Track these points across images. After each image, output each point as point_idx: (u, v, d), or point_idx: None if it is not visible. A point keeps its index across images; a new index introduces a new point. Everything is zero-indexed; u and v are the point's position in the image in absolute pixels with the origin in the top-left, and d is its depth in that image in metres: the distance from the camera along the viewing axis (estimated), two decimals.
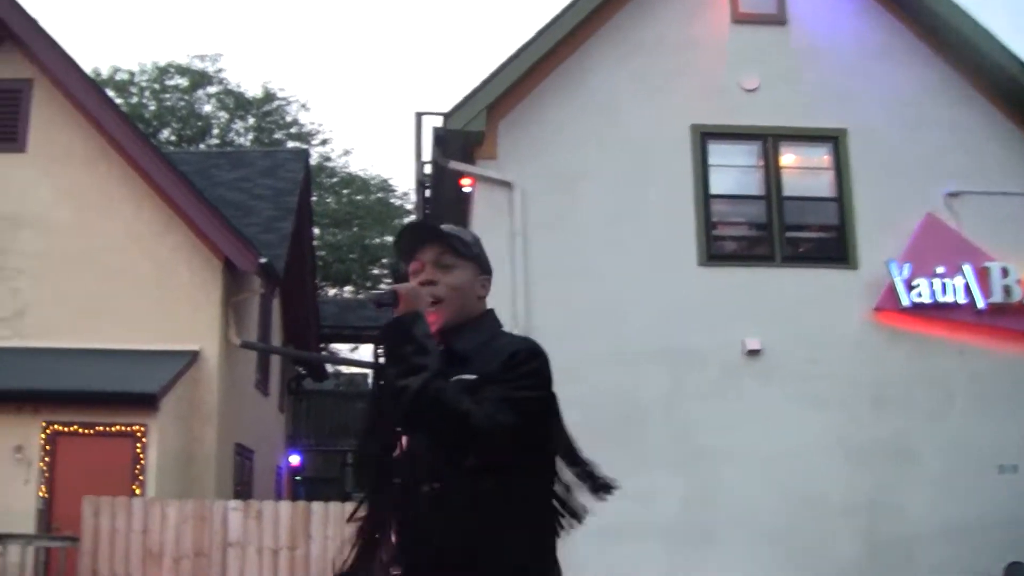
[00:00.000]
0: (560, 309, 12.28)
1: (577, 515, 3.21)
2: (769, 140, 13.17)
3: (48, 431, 14.60)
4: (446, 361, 2.99)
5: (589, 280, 12.48)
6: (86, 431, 14.66)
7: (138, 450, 14.52)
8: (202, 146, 36.71)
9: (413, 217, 35.55)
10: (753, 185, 13.28)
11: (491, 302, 3.36)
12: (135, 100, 38.51)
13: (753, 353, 12.34)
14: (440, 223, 3.40)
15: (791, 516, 11.93)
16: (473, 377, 2.95)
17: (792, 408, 12.27)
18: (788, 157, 13.31)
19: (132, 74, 39.81)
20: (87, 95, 16.85)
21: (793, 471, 12.02)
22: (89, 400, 14.53)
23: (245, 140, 39.32)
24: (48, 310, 16.19)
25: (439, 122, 12.81)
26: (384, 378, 3.01)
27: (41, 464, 14.52)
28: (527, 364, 3.02)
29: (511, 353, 3.02)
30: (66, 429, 14.66)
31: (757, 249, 13.16)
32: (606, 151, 12.99)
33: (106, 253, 16.33)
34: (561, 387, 10.33)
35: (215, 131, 40.04)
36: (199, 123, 39.69)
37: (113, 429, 14.63)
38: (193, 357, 15.89)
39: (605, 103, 13.14)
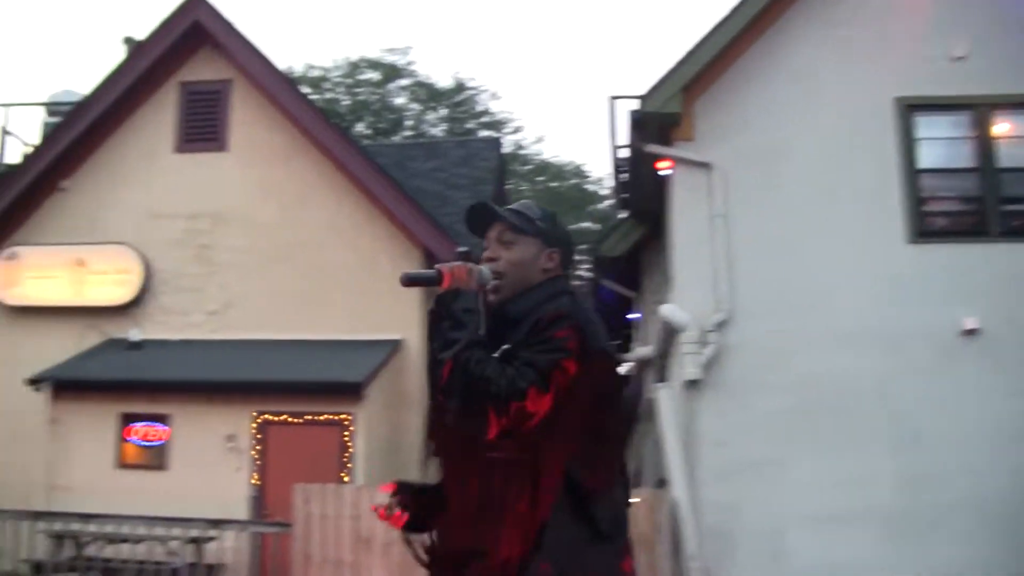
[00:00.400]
0: (765, 291, 11.99)
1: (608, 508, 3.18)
2: (980, 109, 12.56)
3: (259, 420, 15.00)
4: (500, 325, 3.22)
5: (794, 260, 12.14)
6: (295, 420, 15.01)
7: (345, 438, 14.79)
8: (396, 138, 37.21)
9: (608, 202, 35.47)
10: (964, 157, 12.66)
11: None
12: (329, 96, 39.29)
13: (970, 333, 11.81)
14: (520, 199, 3.60)
15: (1017, 500, 11.39)
16: (507, 347, 3.11)
17: (1013, 388, 11.71)
18: (1002, 126, 12.67)
19: (326, 70, 40.65)
20: (284, 93, 17.26)
21: (1019, 453, 11.48)
22: (297, 390, 14.88)
23: (438, 131, 39.73)
24: (254, 303, 16.65)
25: (634, 105, 12.64)
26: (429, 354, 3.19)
27: (253, 452, 14.93)
28: (552, 326, 3.11)
29: (537, 319, 3.15)
30: (276, 418, 15.04)
31: (970, 224, 12.58)
32: (807, 127, 12.58)
33: (309, 246, 16.69)
34: (768, 370, 10.08)
35: (408, 123, 40.57)
36: (392, 116, 40.26)
37: (321, 418, 14.94)
38: (396, 346, 16.10)
39: (805, 77, 12.73)
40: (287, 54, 65.21)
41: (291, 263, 16.66)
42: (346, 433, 14.80)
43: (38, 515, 13.52)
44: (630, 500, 3.30)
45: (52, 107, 20.85)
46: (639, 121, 12.62)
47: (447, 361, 3.06)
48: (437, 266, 3.24)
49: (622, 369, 3.44)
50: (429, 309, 3.24)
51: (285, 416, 15.02)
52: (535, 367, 3.02)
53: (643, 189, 14.12)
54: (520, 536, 3.03)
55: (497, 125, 39.98)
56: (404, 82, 40.82)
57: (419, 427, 16.08)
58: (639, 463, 16.47)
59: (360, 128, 38.61)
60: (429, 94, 40.73)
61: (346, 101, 39.98)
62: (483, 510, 3.09)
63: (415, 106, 41.08)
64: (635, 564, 3.24)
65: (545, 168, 39.75)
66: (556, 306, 3.19)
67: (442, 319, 3.16)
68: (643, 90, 12.46)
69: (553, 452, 3.06)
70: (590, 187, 39.62)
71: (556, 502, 3.05)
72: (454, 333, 3.10)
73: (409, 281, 3.28)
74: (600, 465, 3.16)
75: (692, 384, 11.82)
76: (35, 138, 20.26)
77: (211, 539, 13.39)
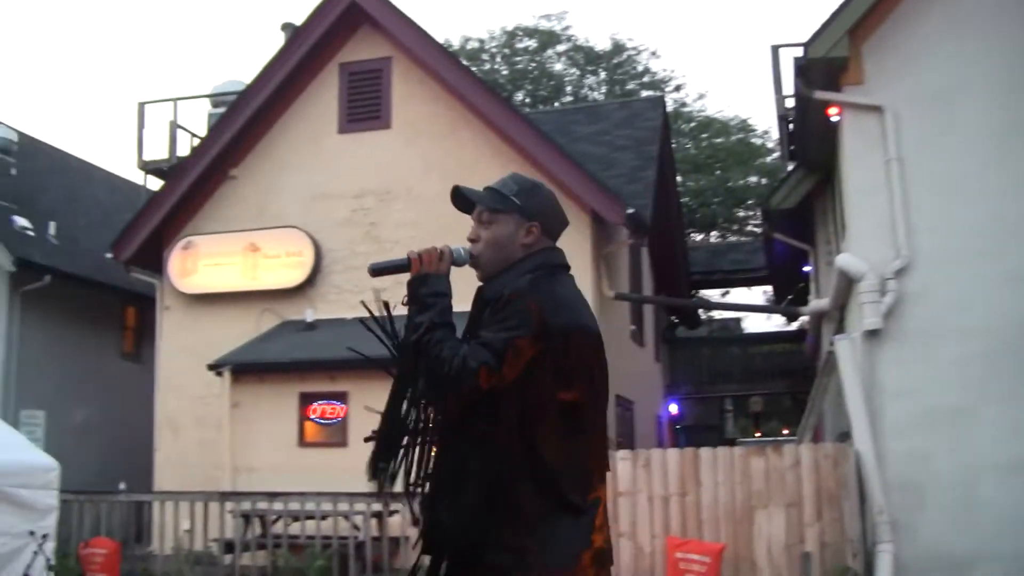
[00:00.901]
0: (945, 234, 11.53)
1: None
2: None
3: None
4: (482, 308, 3.29)
5: (974, 201, 11.62)
6: None
7: None
8: (556, 105, 37.11)
9: (775, 155, 34.79)
10: None
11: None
12: (487, 67, 39.42)
13: None
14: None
15: None
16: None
17: None
18: None
19: (482, 42, 40.80)
20: (444, 67, 17.27)
21: None
22: None
23: (598, 95, 39.49)
24: None
25: (798, 52, 12.28)
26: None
27: None
28: (509, 306, 3.17)
29: (497, 296, 3.23)
30: None
31: None
32: (981, 63, 11.99)
33: None
34: (952, 317, 9.64)
35: (567, 89, 40.44)
36: (551, 83, 40.19)
37: None
38: None
39: (978, 10, 12.16)
40: (442, 28, 65.66)
41: (459, 236, 16.57)
42: None
43: (225, 495, 13.87)
44: (605, 470, 3.33)
45: (217, 98, 21.29)
46: (805, 68, 12.25)
47: (405, 344, 3.26)
48: (407, 253, 3.38)
49: (595, 342, 3.41)
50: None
51: None
52: (488, 346, 3.09)
53: (812, 138, 13.73)
54: (494, 512, 3.10)
55: (658, 84, 39.54)
56: (561, 48, 40.70)
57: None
58: (819, 417, 16.13)
59: (519, 97, 38.63)
60: (587, 58, 40.51)
61: (504, 71, 40.06)
62: (456, 483, 3.18)
63: (574, 71, 40.93)
64: (608, 537, 3.30)
65: (709, 124, 39.17)
66: (515, 285, 3.24)
67: (410, 303, 3.31)
68: (807, 36, 12.11)
69: (519, 429, 3.11)
70: (756, 141, 38.92)
71: (523, 477, 3.10)
72: (420, 316, 3.25)
73: (376, 271, 3.42)
74: (568, 440, 3.17)
75: (872, 334, 11.48)
76: (203, 130, 20.75)
77: (394, 512, 13.54)
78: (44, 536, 10.09)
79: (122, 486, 15.75)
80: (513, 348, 3.10)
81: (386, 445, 3.44)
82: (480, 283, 3.48)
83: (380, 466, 3.45)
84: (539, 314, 3.16)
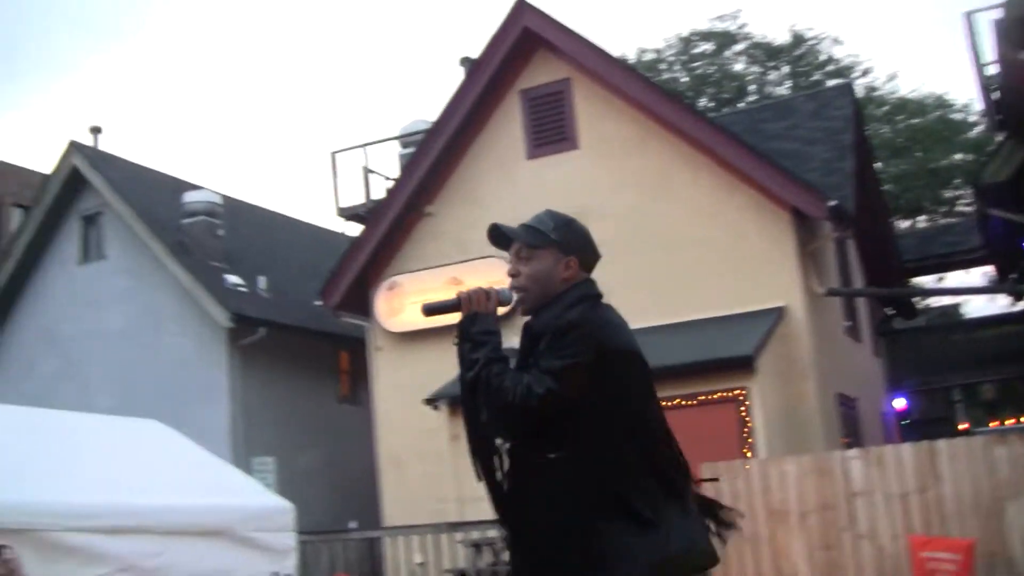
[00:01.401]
0: None
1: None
2: None
3: None
4: (530, 342, 3.43)
5: None
6: (688, 402, 14.84)
7: (742, 413, 14.50)
8: (741, 105, 36.58)
9: (980, 128, 33.54)
10: None
11: None
12: (666, 76, 39.12)
13: None
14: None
15: None
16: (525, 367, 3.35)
17: None
18: None
19: (658, 52, 40.53)
20: (625, 81, 17.23)
21: None
22: (686, 372, 14.69)
23: (783, 90, 38.77)
24: (626, 294, 16.35)
25: (995, 15, 11.74)
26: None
27: None
28: (567, 335, 3.32)
29: (555, 328, 3.36)
30: (669, 403, 14.92)
31: None
32: None
33: (674, 228, 16.53)
34: None
35: (750, 88, 39.85)
36: (734, 83, 39.67)
37: (713, 396, 14.71)
38: (779, 314, 15.67)
39: None
40: (616, 43, 65.60)
41: (659, 248, 16.55)
42: (742, 408, 14.51)
43: (454, 526, 13.99)
44: (680, 482, 3.46)
45: (406, 139, 21.61)
46: (1006, 29, 11.67)
47: (466, 380, 3.37)
48: (456, 293, 3.53)
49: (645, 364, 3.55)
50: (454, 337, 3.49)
51: (678, 399, 14.88)
52: (551, 373, 3.24)
53: (1021, 104, 13.08)
54: (570, 532, 3.22)
55: (844, 71, 38.56)
56: (739, 47, 40.14)
57: (815, 393, 15.63)
58: None
59: (702, 102, 38.24)
60: (767, 54, 39.85)
61: (684, 78, 39.71)
62: (531, 510, 3.33)
63: (755, 69, 40.31)
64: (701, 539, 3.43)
65: (903, 106, 37.96)
66: (569, 316, 3.41)
67: (463, 343, 3.44)
68: None
69: (587, 451, 3.26)
70: (956, 116, 37.52)
71: (595, 496, 3.24)
72: (474, 354, 3.37)
73: (430, 311, 3.62)
74: (632, 457, 3.33)
75: None
76: (395, 171, 21.07)
77: None
78: None
79: (353, 524, 16.08)
80: (575, 372, 3.25)
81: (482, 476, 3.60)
82: (524, 318, 3.62)
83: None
84: (596, 339, 3.34)
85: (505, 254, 3.74)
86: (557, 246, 3.58)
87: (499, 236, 3.67)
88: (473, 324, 3.46)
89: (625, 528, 3.24)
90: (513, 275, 3.59)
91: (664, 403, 12.42)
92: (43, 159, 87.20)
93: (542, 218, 3.65)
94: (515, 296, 3.62)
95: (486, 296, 3.52)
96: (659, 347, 15.26)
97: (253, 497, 11.52)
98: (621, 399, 3.35)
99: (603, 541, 3.21)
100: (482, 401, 3.31)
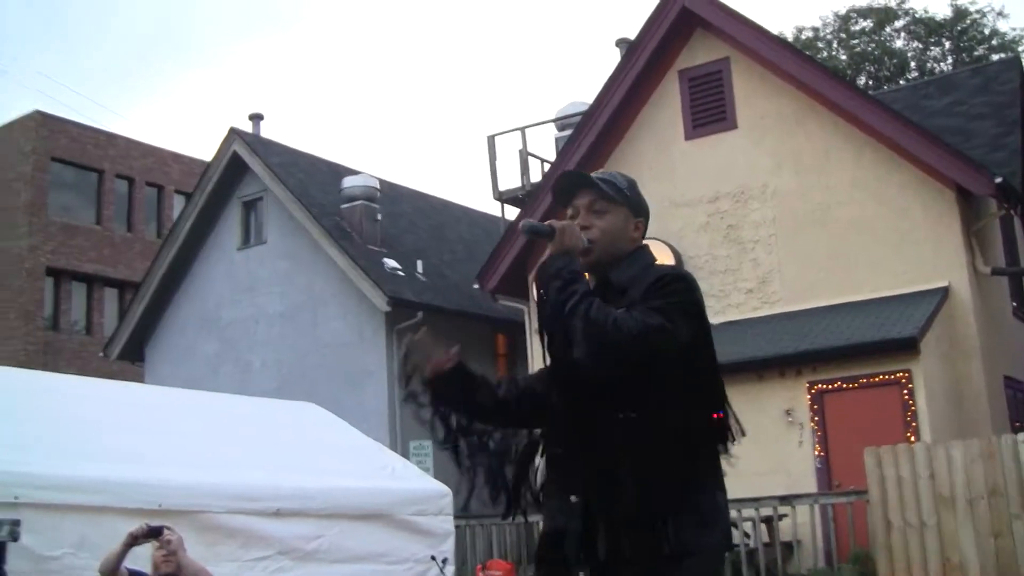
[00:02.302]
0: None
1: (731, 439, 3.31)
2: None
3: (813, 391, 14.80)
4: (603, 293, 3.26)
5: None
6: (849, 385, 14.66)
7: (905, 396, 14.24)
8: (901, 82, 35.74)
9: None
10: None
11: None
12: (824, 54, 38.44)
13: None
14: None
15: None
16: (623, 310, 3.14)
17: None
18: None
19: (816, 30, 39.86)
20: (784, 59, 17.07)
21: None
22: (848, 354, 14.52)
23: (944, 66, 37.76)
24: (789, 274, 16.47)
25: None
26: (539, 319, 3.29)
27: (811, 424, 14.73)
28: (672, 285, 3.25)
29: (657, 277, 3.28)
30: (830, 386, 14.76)
31: None
32: None
33: (835, 207, 16.30)
34: None
35: (911, 64, 38.92)
36: (893, 61, 38.79)
37: (876, 379, 14.50)
38: (944, 293, 15.33)
39: None
40: (774, 21, 64.64)
41: (820, 227, 16.34)
42: (905, 391, 14.24)
43: None
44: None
45: (562, 121, 21.65)
46: None
47: (567, 310, 3.13)
48: (550, 222, 3.32)
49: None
50: (537, 272, 3.31)
51: (839, 382, 14.71)
52: (661, 311, 3.13)
53: None
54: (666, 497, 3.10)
55: (1009, 46, 37.35)
56: (899, 23, 39.19)
57: (981, 375, 15.25)
58: None
59: (861, 80, 37.48)
60: (928, 29, 38.83)
61: (843, 56, 38.97)
62: (607, 465, 3.14)
63: (916, 45, 39.32)
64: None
65: None
66: (668, 269, 3.41)
67: (552, 278, 3.22)
68: None
69: (675, 411, 3.16)
70: None
71: (690, 448, 3.17)
72: (570, 287, 3.17)
73: (527, 230, 3.36)
74: (709, 425, 3.27)
75: None
76: (552, 155, 21.14)
77: (783, 516, 13.31)
78: (444, 560, 10.48)
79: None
80: (684, 317, 3.19)
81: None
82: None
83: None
84: (698, 296, 3.30)
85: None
86: (629, 206, 3.50)
87: (572, 181, 3.55)
88: (570, 260, 3.27)
89: (716, 488, 3.25)
90: (585, 227, 3.42)
91: (825, 386, 12.37)
92: (205, 147, 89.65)
93: (614, 175, 3.56)
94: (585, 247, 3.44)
95: (575, 234, 3.34)
96: (820, 328, 15.14)
97: (411, 481, 11.70)
98: (709, 361, 3.30)
99: (705, 499, 3.19)
100: (581, 336, 3.09)
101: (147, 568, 7.34)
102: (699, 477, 3.19)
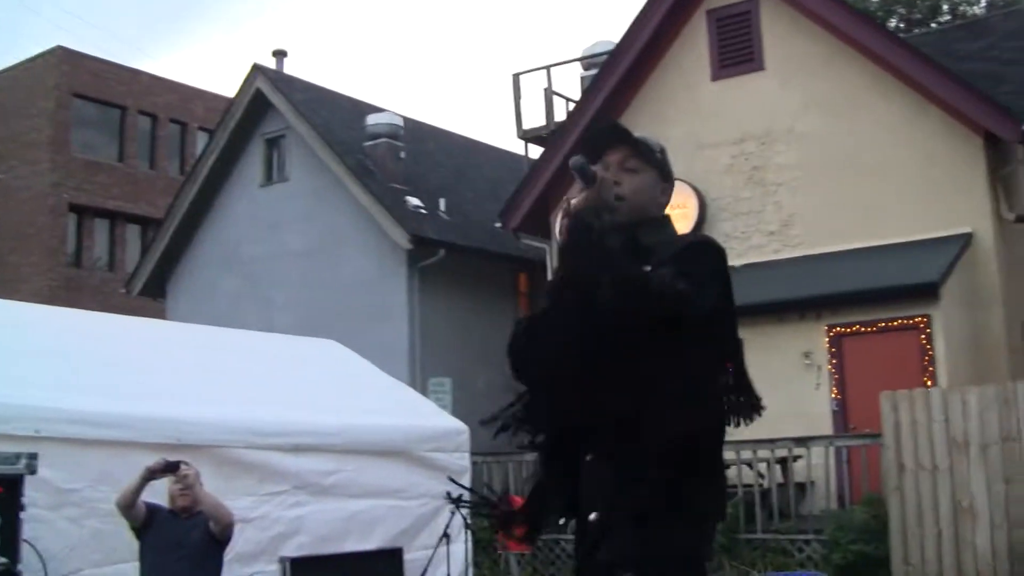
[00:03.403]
0: None
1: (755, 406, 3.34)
2: None
3: (831, 334, 14.82)
4: (631, 252, 3.15)
5: None
6: (868, 329, 14.67)
7: (923, 341, 14.23)
8: (933, 25, 35.31)
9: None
10: None
11: None
12: None
13: None
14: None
15: None
16: (648, 268, 3.07)
17: None
18: None
19: None
20: (813, 0, 16.79)
21: None
22: (868, 298, 14.50)
23: (978, 9, 37.26)
24: (812, 217, 16.40)
25: None
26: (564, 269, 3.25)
27: (829, 367, 14.77)
28: (703, 252, 3.22)
29: (686, 245, 3.26)
30: (848, 330, 14.78)
31: None
32: None
33: (861, 151, 16.19)
34: None
35: (944, 7, 38.40)
36: (926, 3, 38.28)
37: (895, 324, 14.50)
38: (966, 240, 15.24)
39: None
40: None
41: (845, 171, 16.24)
42: (923, 336, 14.23)
43: None
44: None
45: (588, 61, 21.51)
46: None
47: (597, 264, 3.04)
48: (594, 169, 3.23)
49: None
50: (570, 224, 3.17)
51: (858, 326, 14.71)
52: (691, 278, 3.03)
53: None
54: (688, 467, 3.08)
55: None
56: None
57: (1001, 322, 15.21)
58: None
59: (892, 23, 37.00)
60: None
61: None
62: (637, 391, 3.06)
63: None
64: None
65: None
66: (702, 237, 3.38)
67: (585, 231, 3.11)
68: None
69: (704, 365, 3.17)
70: None
71: (714, 418, 3.22)
72: (604, 242, 3.08)
73: (581, 175, 3.20)
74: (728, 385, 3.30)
75: None
76: (577, 94, 21.01)
77: (798, 458, 13.37)
78: (459, 496, 10.58)
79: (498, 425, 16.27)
80: (713, 281, 3.14)
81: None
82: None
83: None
84: (727, 265, 3.26)
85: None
86: (660, 170, 3.46)
87: (609, 135, 3.47)
88: (607, 212, 3.20)
89: (722, 471, 3.31)
90: (616, 183, 3.34)
91: (844, 329, 12.39)
92: (228, 83, 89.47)
93: (646, 137, 3.49)
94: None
95: (612, 191, 3.28)
96: (841, 272, 15.12)
97: (429, 418, 11.80)
98: (732, 331, 3.28)
99: (712, 484, 3.24)
100: (609, 286, 2.99)
101: (164, 501, 7.45)
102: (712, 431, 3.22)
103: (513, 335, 3.40)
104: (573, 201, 3.19)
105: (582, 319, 3.08)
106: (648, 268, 3.09)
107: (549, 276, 18.58)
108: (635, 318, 3.00)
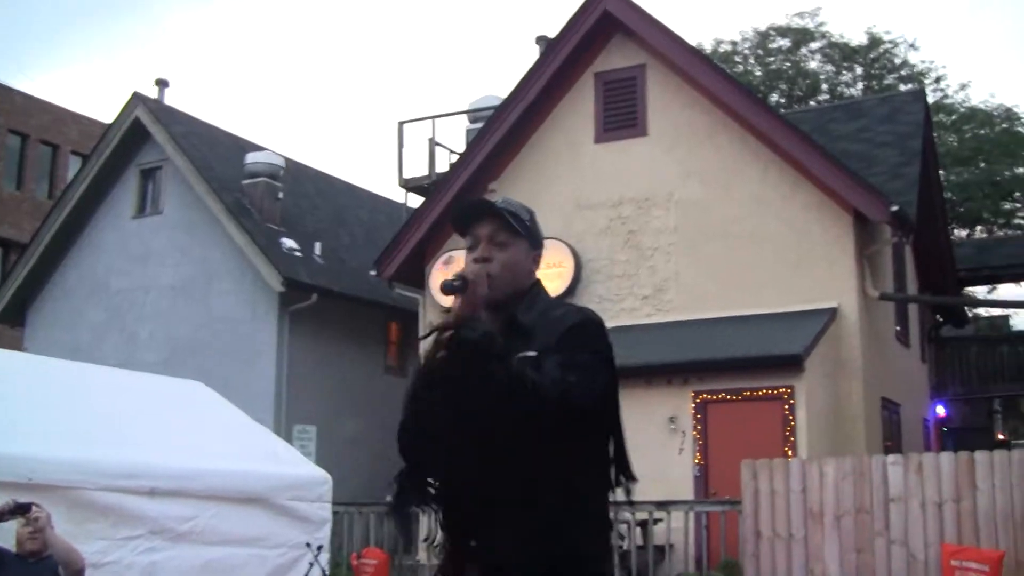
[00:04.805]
0: None
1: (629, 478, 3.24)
2: None
3: (697, 400, 14.98)
4: (508, 334, 3.07)
5: None
6: (733, 397, 14.87)
7: (786, 411, 14.48)
8: (812, 103, 36.28)
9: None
10: None
11: None
12: (740, 69, 38.83)
13: None
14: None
15: None
16: (534, 354, 3.01)
17: None
18: None
19: (734, 44, 40.22)
20: (700, 71, 17.20)
21: None
22: (735, 367, 14.72)
23: (855, 91, 38.39)
24: (685, 284, 16.63)
25: None
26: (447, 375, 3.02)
27: (694, 432, 14.92)
28: (589, 333, 3.13)
29: (570, 325, 3.11)
30: (714, 397, 14.96)
31: None
32: None
33: (736, 222, 16.50)
34: None
35: (823, 87, 39.49)
36: (807, 81, 39.32)
37: (759, 393, 14.73)
38: (832, 314, 15.61)
39: None
40: (694, 32, 65.26)
41: (719, 240, 16.52)
42: (786, 407, 14.48)
43: None
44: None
45: (474, 114, 21.61)
46: None
47: (483, 379, 2.89)
48: (461, 272, 3.12)
49: None
50: (456, 337, 2.97)
51: (723, 394, 14.91)
52: (581, 368, 2.99)
53: None
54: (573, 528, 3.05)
55: (917, 77, 38.06)
56: (815, 45, 39.73)
57: (861, 396, 15.55)
58: None
59: (774, 98, 37.95)
60: (842, 54, 39.43)
61: (758, 72, 39.40)
62: (526, 502, 3.02)
63: (829, 68, 39.92)
64: None
65: (972, 115, 37.45)
66: (583, 312, 3.22)
67: (467, 342, 2.94)
68: None
69: (593, 452, 3.14)
70: (1022, 129, 36.90)
71: (598, 487, 3.16)
72: (489, 348, 2.93)
73: (448, 287, 3.07)
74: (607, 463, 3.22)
75: None
76: (461, 146, 21.07)
77: (658, 521, 13.45)
78: (319, 547, 10.40)
79: (390, 497, 16.14)
80: (602, 365, 3.10)
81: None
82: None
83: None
84: (607, 340, 3.18)
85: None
86: (529, 238, 3.34)
87: (479, 211, 3.36)
88: (474, 324, 2.99)
89: (608, 527, 3.23)
90: (485, 259, 3.23)
91: (709, 396, 12.54)
92: (106, 109, 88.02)
93: (515, 206, 3.36)
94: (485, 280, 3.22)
95: (484, 283, 3.12)
96: (710, 339, 15.34)
97: (292, 466, 11.57)
98: (614, 407, 3.21)
99: (602, 539, 3.18)
100: (498, 399, 2.88)
101: (11, 544, 7.14)
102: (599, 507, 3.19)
103: (401, 425, 3.35)
104: (448, 317, 3.04)
105: (470, 421, 3.00)
106: (533, 353, 3.01)
107: (421, 329, 18.56)
108: (527, 423, 2.92)
